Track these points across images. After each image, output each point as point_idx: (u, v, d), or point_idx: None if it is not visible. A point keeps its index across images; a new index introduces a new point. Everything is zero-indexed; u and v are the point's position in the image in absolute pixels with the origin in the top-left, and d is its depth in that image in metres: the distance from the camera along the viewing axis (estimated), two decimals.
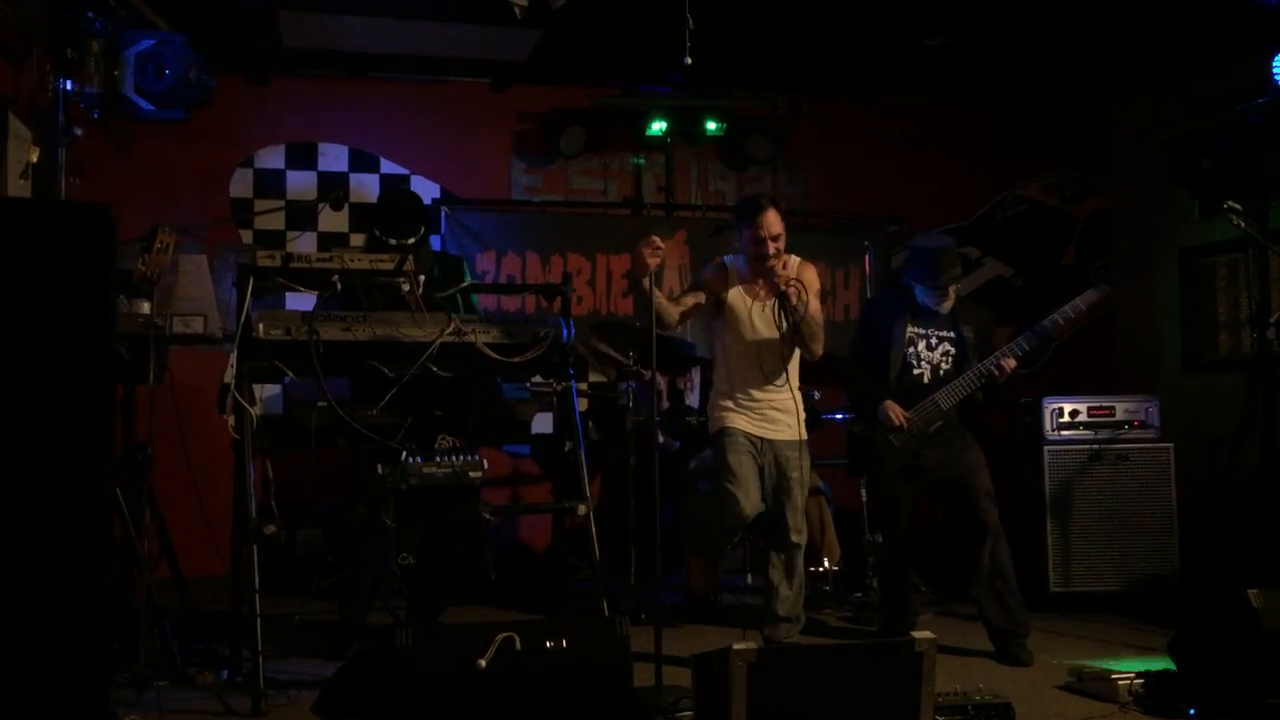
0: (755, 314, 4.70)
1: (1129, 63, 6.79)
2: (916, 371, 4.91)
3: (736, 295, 4.72)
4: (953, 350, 4.94)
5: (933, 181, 7.62)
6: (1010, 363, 4.79)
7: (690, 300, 4.71)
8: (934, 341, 4.94)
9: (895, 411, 4.81)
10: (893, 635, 4.80)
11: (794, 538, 4.67)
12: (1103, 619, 5.48)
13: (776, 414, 4.68)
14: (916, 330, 4.92)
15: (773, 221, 4.61)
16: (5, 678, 3.18)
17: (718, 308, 4.72)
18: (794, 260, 4.69)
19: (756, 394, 4.68)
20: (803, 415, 4.70)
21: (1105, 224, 7.96)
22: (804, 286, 4.56)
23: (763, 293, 4.69)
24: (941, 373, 4.91)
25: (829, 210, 7.52)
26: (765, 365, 4.68)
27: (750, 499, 4.59)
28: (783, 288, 4.53)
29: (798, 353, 4.73)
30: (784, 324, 4.55)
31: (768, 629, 4.69)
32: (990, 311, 5.19)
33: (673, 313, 4.59)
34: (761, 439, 4.66)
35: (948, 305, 4.92)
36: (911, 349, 4.91)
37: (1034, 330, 4.80)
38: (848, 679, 3.20)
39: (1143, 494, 5.76)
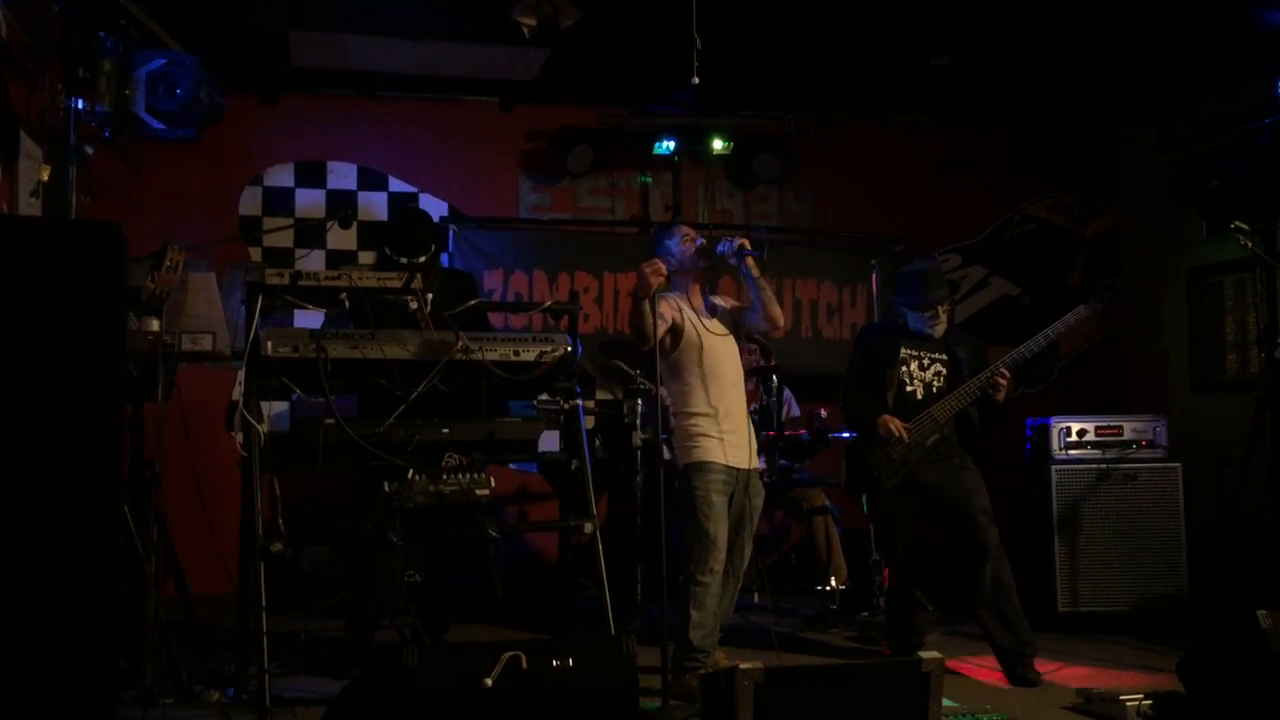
0: (715, 337, 4.64)
1: (1137, 84, 6.81)
2: (910, 389, 4.94)
3: (692, 320, 4.63)
4: (944, 370, 4.98)
5: (939, 201, 7.64)
6: (1005, 374, 4.81)
7: (661, 328, 4.53)
8: (926, 362, 4.98)
9: (894, 424, 4.82)
10: (899, 655, 4.80)
11: (745, 562, 4.69)
12: (1111, 639, 5.46)
13: (745, 441, 4.62)
14: (909, 352, 4.97)
15: (689, 228, 4.79)
16: (11, 694, 3.18)
17: (674, 339, 4.58)
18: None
19: (732, 415, 4.59)
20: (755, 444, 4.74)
21: (1113, 244, 7.96)
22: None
23: (696, 297, 4.67)
24: (935, 390, 4.94)
25: (836, 229, 7.53)
26: (732, 383, 4.64)
27: (725, 536, 4.52)
28: (738, 241, 4.51)
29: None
30: (757, 269, 4.55)
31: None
32: (981, 341, 5.22)
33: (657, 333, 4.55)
34: (737, 469, 4.57)
35: (939, 328, 4.97)
36: (905, 368, 4.95)
37: (1026, 345, 4.86)
38: (854, 699, 3.19)
39: (1151, 514, 5.75)
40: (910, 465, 4.85)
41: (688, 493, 4.52)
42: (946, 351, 5.00)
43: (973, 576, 4.76)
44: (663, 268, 4.32)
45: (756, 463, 4.73)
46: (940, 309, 4.96)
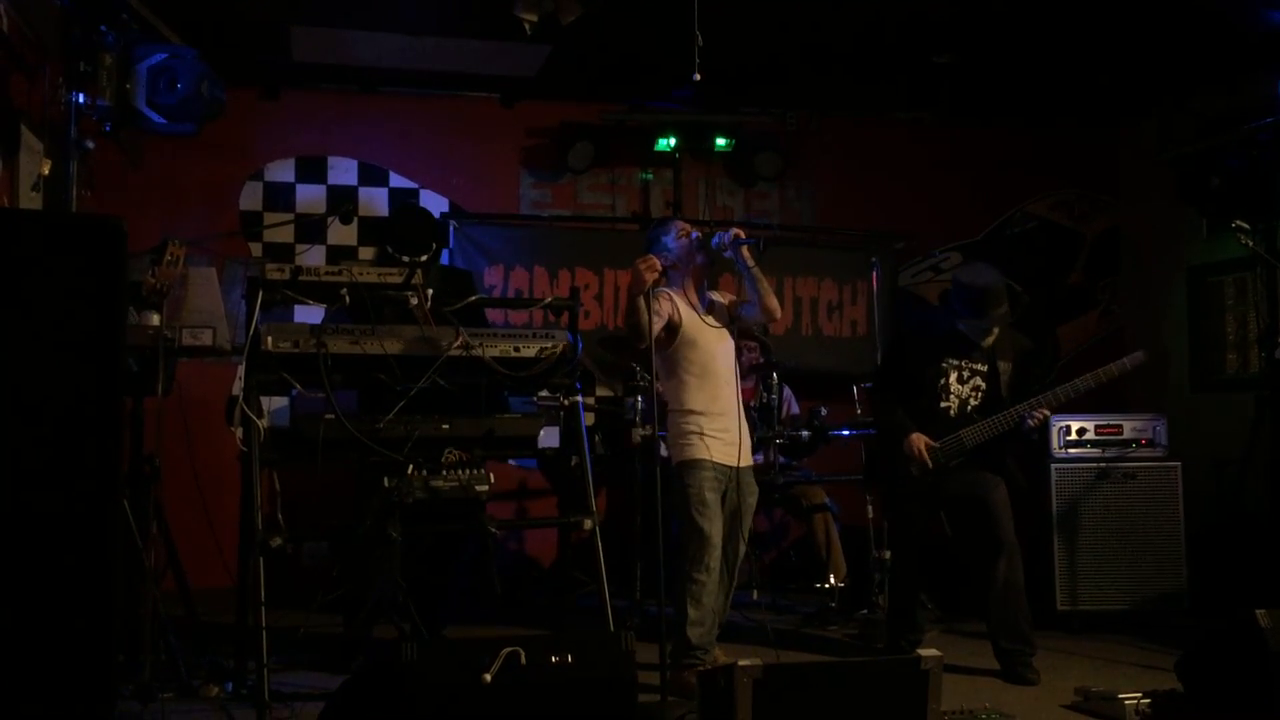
0: (711, 333, 4.65)
1: (1138, 81, 6.80)
2: (944, 404, 4.86)
3: (689, 316, 4.63)
4: (983, 385, 4.89)
5: (940, 198, 7.63)
6: (1044, 413, 4.77)
7: (658, 324, 4.53)
8: (965, 375, 4.88)
9: (920, 448, 4.77)
10: (899, 653, 4.80)
11: (739, 559, 4.68)
12: (1110, 638, 5.46)
13: (740, 438, 4.61)
14: (951, 361, 4.88)
15: (683, 222, 4.78)
16: (10, 688, 3.18)
17: (670, 335, 4.59)
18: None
19: (727, 414, 4.58)
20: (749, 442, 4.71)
21: (1114, 242, 7.96)
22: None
23: (693, 292, 4.67)
24: (969, 408, 4.87)
25: (837, 226, 7.53)
26: (727, 380, 4.61)
27: (720, 533, 4.52)
28: (734, 231, 4.55)
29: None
30: (753, 259, 4.56)
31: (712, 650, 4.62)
32: (1029, 340, 5.10)
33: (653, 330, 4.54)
34: (729, 467, 4.56)
35: (990, 341, 4.87)
36: (942, 381, 4.87)
37: (1072, 385, 4.79)
38: (853, 696, 3.19)
39: (1150, 513, 5.75)
40: (930, 483, 4.83)
41: (681, 491, 4.52)
42: (989, 362, 4.89)
43: (986, 571, 4.76)
44: (657, 263, 4.30)
45: (750, 460, 4.72)
46: (996, 328, 4.86)
